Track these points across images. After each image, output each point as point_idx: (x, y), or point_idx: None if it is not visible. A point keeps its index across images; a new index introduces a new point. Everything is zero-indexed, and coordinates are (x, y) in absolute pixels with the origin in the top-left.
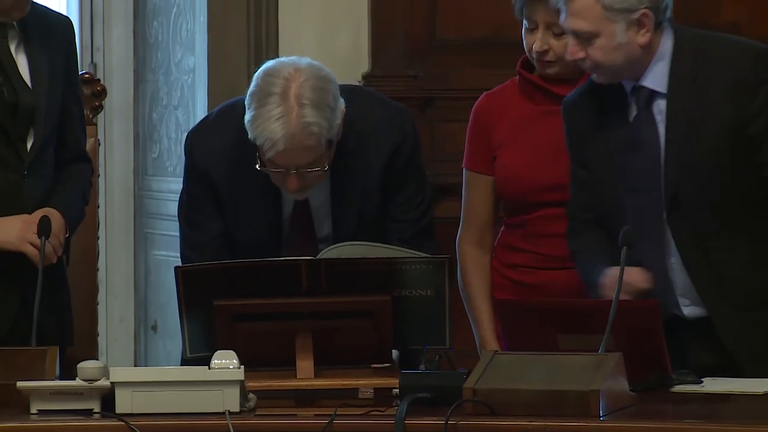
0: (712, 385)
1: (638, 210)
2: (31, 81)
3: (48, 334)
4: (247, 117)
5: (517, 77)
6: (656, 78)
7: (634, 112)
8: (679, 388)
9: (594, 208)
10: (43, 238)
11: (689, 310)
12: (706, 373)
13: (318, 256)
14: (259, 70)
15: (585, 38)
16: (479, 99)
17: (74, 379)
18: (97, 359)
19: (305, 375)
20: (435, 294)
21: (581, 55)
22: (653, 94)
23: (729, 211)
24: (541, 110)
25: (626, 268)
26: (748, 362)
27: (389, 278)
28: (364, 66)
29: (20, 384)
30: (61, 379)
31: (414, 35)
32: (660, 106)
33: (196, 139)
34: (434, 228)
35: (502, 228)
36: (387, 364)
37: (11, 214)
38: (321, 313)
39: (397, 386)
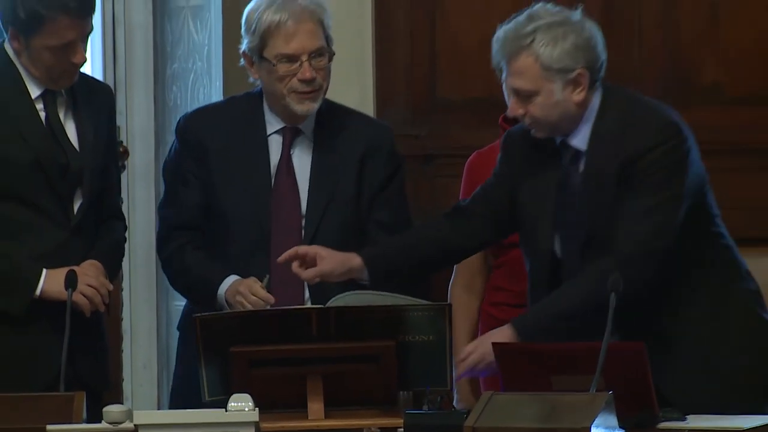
0: (696, 421)
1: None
2: (79, 144)
3: (87, 380)
4: (254, 19)
5: (500, 132)
6: (581, 136)
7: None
8: (664, 425)
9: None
10: (69, 290)
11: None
12: None
13: (326, 305)
14: None
15: (525, 96)
16: (471, 156)
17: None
18: (123, 403)
19: (316, 416)
20: (436, 339)
21: (521, 111)
22: (578, 152)
23: None
24: None
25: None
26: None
27: (394, 325)
28: None
29: (50, 427)
30: (94, 422)
31: (415, 96)
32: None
33: (189, 115)
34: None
35: (492, 271)
36: (392, 405)
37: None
38: (330, 358)
39: (402, 426)
